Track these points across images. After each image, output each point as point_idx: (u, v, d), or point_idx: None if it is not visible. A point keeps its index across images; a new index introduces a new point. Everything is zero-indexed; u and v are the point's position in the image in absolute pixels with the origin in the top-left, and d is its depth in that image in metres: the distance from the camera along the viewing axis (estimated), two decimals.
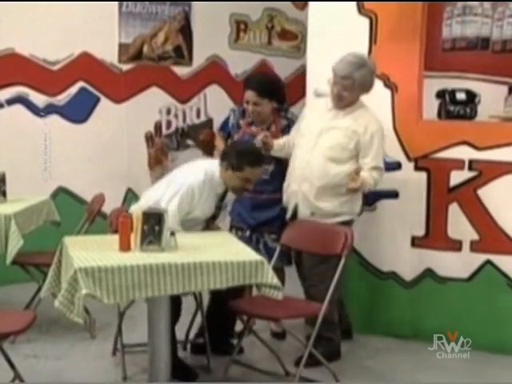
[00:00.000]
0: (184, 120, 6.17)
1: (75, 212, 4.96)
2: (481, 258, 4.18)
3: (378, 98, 4.26)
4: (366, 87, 3.92)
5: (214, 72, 6.21)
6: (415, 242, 4.32)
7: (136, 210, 3.57)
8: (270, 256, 3.84)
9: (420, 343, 4.14)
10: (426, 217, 4.27)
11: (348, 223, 3.95)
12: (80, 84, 5.65)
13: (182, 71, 6.18)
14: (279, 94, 4.27)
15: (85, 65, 5.64)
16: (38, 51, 5.43)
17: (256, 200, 4.19)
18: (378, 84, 4.27)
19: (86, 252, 3.17)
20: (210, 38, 6.26)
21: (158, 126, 6.06)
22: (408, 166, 4.29)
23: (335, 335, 4.00)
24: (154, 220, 3.21)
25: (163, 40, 6.05)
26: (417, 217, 4.29)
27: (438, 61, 4.66)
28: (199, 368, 3.84)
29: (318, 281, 3.85)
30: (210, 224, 3.81)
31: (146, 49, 5.97)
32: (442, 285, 4.28)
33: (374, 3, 4.24)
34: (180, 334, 3.83)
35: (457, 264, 4.23)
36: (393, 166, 4.30)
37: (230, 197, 3.89)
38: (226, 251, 3.30)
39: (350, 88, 3.86)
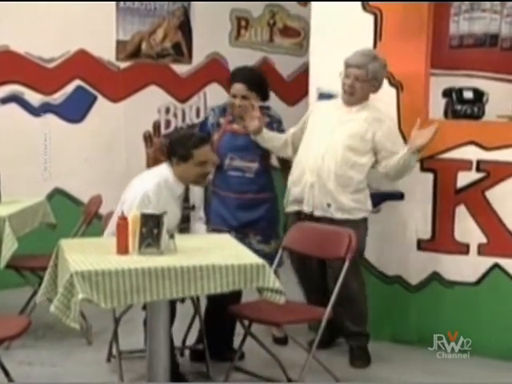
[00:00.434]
0: (183, 119, 6.16)
1: (72, 214, 4.97)
2: (489, 261, 4.17)
3: (382, 97, 4.26)
4: (377, 82, 3.98)
5: (214, 70, 6.21)
6: (421, 245, 4.32)
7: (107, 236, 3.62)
8: None
9: (426, 349, 4.13)
10: (432, 219, 4.27)
11: (365, 220, 4.03)
12: (76, 82, 5.65)
13: (181, 69, 6.18)
14: (265, 89, 4.28)
15: (81, 62, 5.63)
16: (33, 48, 5.42)
17: (240, 200, 4.18)
18: (383, 82, 4.27)
19: (83, 255, 3.17)
20: (210, 34, 6.26)
21: (156, 126, 6.06)
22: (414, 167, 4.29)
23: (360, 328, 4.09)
24: (152, 222, 3.20)
25: (162, 37, 6.05)
26: (423, 219, 4.28)
27: (444, 58, 4.66)
28: (197, 374, 3.84)
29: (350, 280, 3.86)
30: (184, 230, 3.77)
31: (144, 46, 5.98)
32: (449, 289, 4.28)
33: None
34: (177, 341, 3.82)
35: (464, 268, 4.22)
36: None
37: (196, 194, 3.85)
38: (227, 254, 3.30)
39: (363, 79, 3.91)
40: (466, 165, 4.17)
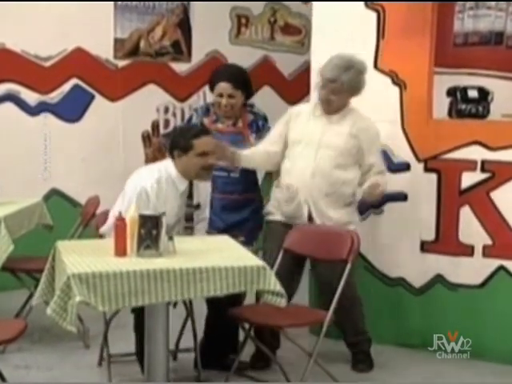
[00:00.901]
0: (183, 119, 6.16)
1: (69, 215, 4.98)
2: (494, 263, 4.17)
3: (385, 96, 4.27)
4: (356, 89, 3.93)
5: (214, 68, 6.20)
6: (425, 247, 4.32)
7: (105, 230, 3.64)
8: None
9: (430, 353, 4.13)
10: (436, 220, 4.27)
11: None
12: (73, 81, 5.65)
13: (180, 68, 6.19)
14: (250, 87, 4.26)
15: (79, 61, 5.64)
16: (29, 47, 5.43)
17: (226, 201, 4.16)
18: (386, 81, 4.29)
19: (80, 257, 3.17)
20: (210, 32, 6.27)
21: (155, 125, 6.06)
22: (417, 167, 4.29)
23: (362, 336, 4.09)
24: (151, 224, 3.20)
25: (161, 35, 6.06)
26: (426, 220, 4.28)
27: (448, 56, 4.66)
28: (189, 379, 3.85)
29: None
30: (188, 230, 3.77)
31: (142, 44, 5.98)
32: (453, 292, 4.28)
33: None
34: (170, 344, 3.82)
35: (469, 270, 4.22)
36: (401, 167, 4.31)
37: (202, 193, 3.85)
38: (227, 256, 3.30)
39: (338, 91, 3.87)
40: (470, 165, 4.17)
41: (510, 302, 4.15)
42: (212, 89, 4.21)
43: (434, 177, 4.26)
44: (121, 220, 3.26)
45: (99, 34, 5.71)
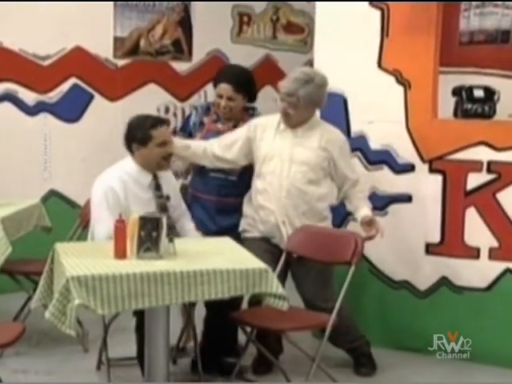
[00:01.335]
0: (183, 119, 6.17)
1: (67, 217, 4.97)
2: (500, 266, 4.17)
3: (389, 96, 4.27)
4: (315, 103, 3.92)
5: (216, 68, 6.14)
6: (430, 249, 4.32)
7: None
8: None
9: (435, 357, 4.14)
10: (441, 222, 4.27)
11: None
12: (72, 80, 5.66)
13: (181, 67, 6.19)
14: (253, 91, 4.25)
15: (78, 60, 5.65)
16: (27, 45, 5.43)
17: (221, 203, 4.14)
18: (390, 80, 4.29)
19: (79, 259, 3.17)
20: (211, 31, 6.27)
21: None
22: (422, 168, 4.29)
23: (358, 342, 4.09)
24: (151, 225, 3.20)
25: (161, 33, 6.06)
26: (431, 222, 4.28)
27: (454, 55, 4.66)
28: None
29: None
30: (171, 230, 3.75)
31: (142, 43, 5.99)
32: (459, 295, 4.28)
33: None
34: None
35: (474, 273, 4.23)
36: (406, 168, 4.32)
37: (167, 183, 3.85)
38: (228, 259, 3.30)
39: (294, 106, 3.86)
40: (476, 166, 4.17)
41: None
42: (215, 88, 4.22)
43: (439, 178, 4.26)
44: (120, 222, 3.26)
45: (99, 32, 5.72)
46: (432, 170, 4.28)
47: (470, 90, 4.31)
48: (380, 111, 4.30)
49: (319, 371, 3.65)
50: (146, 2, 5.94)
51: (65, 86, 5.63)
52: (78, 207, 5.15)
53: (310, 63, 4.50)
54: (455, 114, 4.38)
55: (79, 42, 5.61)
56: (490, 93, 4.32)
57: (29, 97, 5.50)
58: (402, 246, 4.35)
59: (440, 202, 4.26)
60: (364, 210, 3.94)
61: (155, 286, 3.02)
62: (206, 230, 4.07)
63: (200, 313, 3.94)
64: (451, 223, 4.25)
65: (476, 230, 4.19)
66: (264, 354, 3.88)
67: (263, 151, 3.97)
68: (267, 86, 6.71)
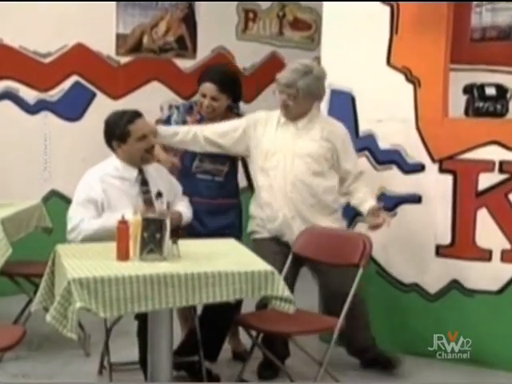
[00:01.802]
0: None
1: None
2: None
3: (398, 94, 4.27)
4: (314, 95, 3.96)
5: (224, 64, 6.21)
6: (440, 251, 4.31)
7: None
8: None
9: (445, 362, 4.13)
10: (451, 224, 4.27)
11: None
12: (74, 78, 5.67)
13: (184, 64, 6.20)
14: (238, 91, 4.25)
15: (79, 57, 5.66)
16: (28, 42, 5.45)
17: (209, 205, 4.15)
18: (399, 78, 4.29)
19: (81, 261, 3.18)
20: (216, 27, 6.28)
21: (158, 124, 6.06)
22: (432, 168, 4.29)
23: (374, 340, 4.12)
24: (154, 227, 3.21)
25: (165, 30, 6.07)
26: (442, 223, 4.28)
27: (465, 52, 4.65)
28: None
29: None
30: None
31: (145, 40, 6.00)
32: (470, 298, 4.27)
33: None
34: None
35: (486, 275, 4.22)
36: (415, 168, 4.31)
37: (157, 176, 3.85)
38: (233, 261, 3.30)
39: (293, 97, 3.89)
40: (488, 166, 4.16)
41: None
42: (199, 87, 4.20)
43: (449, 178, 4.26)
44: (123, 223, 3.26)
45: (100, 29, 5.73)
46: (442, 170, 4.27)
47: (481, 87, 4.30)
48: (389, 110, 4.30)
49: (326, 375, 3.65)
50: None
51: (66, 84, 5.64)
52: None
53: (318, 60, 4.51)
54: (466, 113, 4.37)
55: (81, 38, 5.62)
56: (502, 91, 4.31)
57: (29, 95, 5.51)
58: (411, 247, 4.35)
59: (450, 202, 4.26)
60: (369, 202, 3.96)
61: (158, 289, 3.02)
62: (196, 234, 4.03)
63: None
64: (462, 224, 4.24)
65: (488, 232, 4.18)
66: (270, 359, 3.87)
67: (265, 146, 3.99)
68: (273, 84, 6.71)
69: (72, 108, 5.67)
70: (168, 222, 3.22)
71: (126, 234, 3.24)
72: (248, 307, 3.84)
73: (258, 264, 3.28)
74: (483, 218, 4.19)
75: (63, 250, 3.42)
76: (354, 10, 4.38)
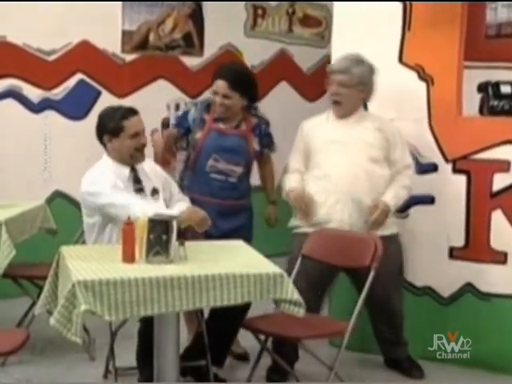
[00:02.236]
0: None
1: (73, 218, 4.97)
2: None
3: (411, 92, 4.26)
4: (365, 87, 4.01)
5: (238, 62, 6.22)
6: (454, 254, 4.31)
7: None
8: None
9: (460, 367, 4.12)
10: (465, 225, 4.26)
11: (397, 235, 4.14)
12: (79, 76, 5.68)
13: (192, 62, 6.20)
14: (252, 91, 4.26)
15: (84, 55, 5.67)
16: (32, 40, 5.46)
17: (221, 207, 4.17)
18: (412, 76, 4.28)
19: (86, 263, 3.19)
20: (224, 24, 6.28)
21: (165, 123, 6.07)
22: (445, 168, 4.28)
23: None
24: (160, 228, 3.21)
25: (171, 27, 6.08)
26: (455, 225, 4.27)
27: (480, 49, 4.64)
28: None
29: None
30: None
31: (152, 37, 6.00)
32: (485, 302, 4.26)
33: None
34: None
35: (501, 278, 4.21)
36: (428, 168, 4.30)
37: (149, 174, 3.86)
38: (242, 263, 3.30)
39: (348, 84, 3.95)
40: (502, 166, 4.15)
41: None
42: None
43: (463, 178, 4.25)
44: (129, 224, 3.27)
45: (106, 26, 5.74)
46: (456, 171, 4.26)
47: (496, 85, 4.29)
48: (401, 108, 4.29)
49: (336, 379, 3.65)
50: None
51: (71, 82, 5.65)
52: None
53: (328, 58, 4.51)
54: (481, 112, 4.36)
55: (85, 35, 5.63)
56: None
57: (33, 93, 5.53)
58: (424, 250, 4.34)
59: (464, 203, 4.25)
60: (386, 196, 3.99)
61: (165, 292, 3.02)
62: (208, 236, 4.04)
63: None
64: (476, 226, 4.23)
65: (503, 234, 4.17)
66: (278, 363, 3.88)
67: (317, 143, 4.06)
68: (282, 82, 6.74)
69: (76, 107, 5.68)
70: (175, 224, 3.23)
71: (132, 236, 3.24)
72: (256, 311, 3.83)
73: (267, 266, 3.27)
74: (498, 219, 4.18)
75: (67, 251, 3.42)
76: (365, 6, 4.38)
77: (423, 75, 4.27)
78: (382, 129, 4.03)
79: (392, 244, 4.02)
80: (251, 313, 3.75)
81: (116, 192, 3.67)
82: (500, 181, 4.17)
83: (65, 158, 5.64)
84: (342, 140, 4.01)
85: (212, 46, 6.26)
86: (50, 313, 3.24)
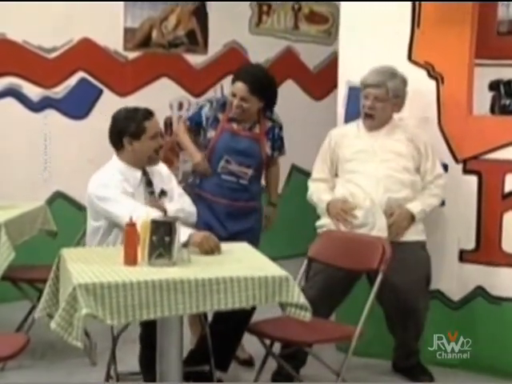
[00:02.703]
0: None
1: (74, 220, 4.98)
2: None
3: (420, 91, 4.25)
4: (399, 100, 4.05)
5: (233, 61, 6.22)
6: (464, 257, 4.30)
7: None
8: None
9: (470, 373, 4.12)
10: (476, 227, 4.25)
11: (425, 244, 4.13)
12: (80, 74, 5.69)
13: (195, 60, 6.21)
14: (271, 95, 4.29)
15: (85, 52, 5.67)
16: (32, 37, 5.46)
17: (231, 207, 4.22)
18: (421, 74, 4.28)
19: (87, 266, 3.18)
20: (228, 21, 6.29)
21: (168, 123, 6.08)
22: (456, 169, 4.28)
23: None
24: (163, 230, 3.21)
25: (175, 24, 6.08)
26: (466, 227, 4.27)
27: (491, 46, 4.63)
28: None
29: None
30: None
31: (154, 34, 6.01)
32: (496, 306, 4.25)
33: None
34: None
35: None
36: None
37: (159, 176, 3.86)
38: (246, 266, 3.30)
39: (383, 98, 4.00)
40: None
41: None
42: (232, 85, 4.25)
43: (474, 179, 4.24)
44: (131, 226, 3.27)
45: (108, 23, 5.74)
46: (466, 171, 4.26)
47: (508, 84, 4.29)
48: (410, 107, 4.28)
49: None
50: None
51: (72, 81, 5.66)
52: (85, 210, 5.17)
53: (335, 55, 4.50)
54: (492, 111, 4.36)
55: (87, 33, 5.64)
56: None
57: (33, 92, 5.53)
58: (433, 252, 4.32)
59: (475, 205, 4.24)
60: (412, 203, 4.00)
61: (168, 295, 3.02)
62: (217, 237, 4.05)
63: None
64: (487, 228, 4.23)
65: None
66: (284, 368, 3.88)
67: (346, 153, 4.10)
68: (288, 80, 6.73)
69: (78, 106, 5.69)
70: (178, 225, 3.23)
71: (134, 238, 3.24)
72: (261, 314, 3.83)
73: (272, 269, 3.27)
74: (510, 221, 4.17)
75: (68, 254, 3.42)
76: (373, 3, 4.37)
77: (433, 73, 4.27)
78: (414, 139, 4.06)
79: (420, 251, 4.07)
80: (256, 317, 3.75)
81: (124, 199, 3.66)
82: None
83: (65, 158, 5.64)
84: (373, 150, 4.05)
85: (216, 44, 6.27)
86: (50, 316, 3.24)
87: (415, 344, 4.21)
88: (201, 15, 6.20)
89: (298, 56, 6.78)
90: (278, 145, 4.38)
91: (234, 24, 6.34)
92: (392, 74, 4.03)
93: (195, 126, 4.33)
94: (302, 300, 3.19)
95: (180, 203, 3.89)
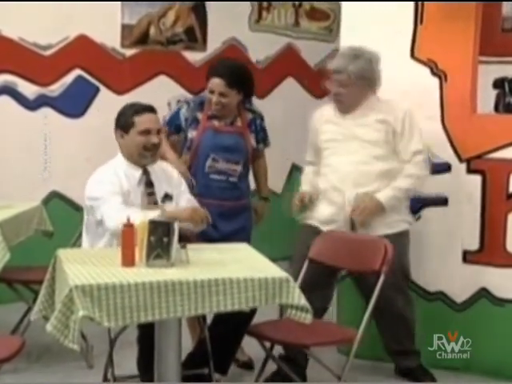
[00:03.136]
0: None
1: (70, 220, 4.99)
2: None
3: (423, 88, 4.26)
4: (369, 81, 4.00)
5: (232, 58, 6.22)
6: (467, 258, 4.30)
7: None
8: None
9: (474, 376, 4.12)
10: (480, 228, 4.25)
11: (406, 233, 4.10)
12: (76, 72, 5.69)
13: (194, 57, 6.21)
14: (249, 86, 4.28)
15: (82, 50, 5.68)
16: (27, 34, 5.47)
17: (221, 208, 4.19)
18: (424, 72, 4.28)
19: (84, 267, 3.19)
20: (228, 18, 6.29)
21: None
22: (459, 168, 4.28)
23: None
24: (162, 230, 3.21)
25: (173, 21, 6.08)
26: (469, 228, 4.27)
27: (496, 43, 4.65)
28: None
29: None
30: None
31: (152, 31, 6.01)
32: (500, 307, 4.26)
33: None
34: None
35: None
36: (441, 168, 4.30)
37: (163, 178, 3.86)
38: (246, 267, 3.30)
39: (346, 83, 3.95)
40: None
41: None
42: (207, 82, 4.22)
43: (478, 179, 4.24)
44: (128, 226, 3.27)
45: (105, 19, 5.74)
46: (470, 170, 4.26)
47: None
48: (413, 105, 4.28)
49: None
50: None
51: (68, 78, 5.66)
52: (82, 210, 5.17)
53: (336, 53, 4.50)
54: (496, 109, 4.36)
55: (84, 30, 5.64)
56: None
57: (29, 90, 5.53)
58: (436, 253, 4.34)
59: (479, 205, 4.24)
60: (382, 193, 3.95)
61: (166, 297, 3.02)
62: (208, 239, 4.04)
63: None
64: (491, 229, 4.23)
65: None
66: (284, 370, 3.88)
67: (323, 139, 4.08)
68: (289, 78, 6.74)
69: (74, 104, 5.69)
70: (176, 226, 3.23)
71: (132, 239, 3.24)
72: (261, 316, 3.84)
73: (272, 270, 3.27)
74: None
75: (65, 254, 3.43)
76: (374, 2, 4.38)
77: (436, 71, 4.27)
78: (387, 120, 3.99)
79: (394, 243, 3.89)
80: (256, 319, 3.75)
81: (112, 199, 3.65)
82: None
83: (62, 158, 5.64)
84: (343, 139, 4.01)
85: (215, 41, 6.27)
86: (46, 319, 3.23)
87: (410, 344, 4.20)
88: (200, 12, 6.20)
89: (298, 53, 6.78)
90: (262, 136, 4.36)
91: (234, 20, 6.35)
92: (355, 55, 3.95)
93: (175, 129, 4.30)
94: (303, 302, 3.19)
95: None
